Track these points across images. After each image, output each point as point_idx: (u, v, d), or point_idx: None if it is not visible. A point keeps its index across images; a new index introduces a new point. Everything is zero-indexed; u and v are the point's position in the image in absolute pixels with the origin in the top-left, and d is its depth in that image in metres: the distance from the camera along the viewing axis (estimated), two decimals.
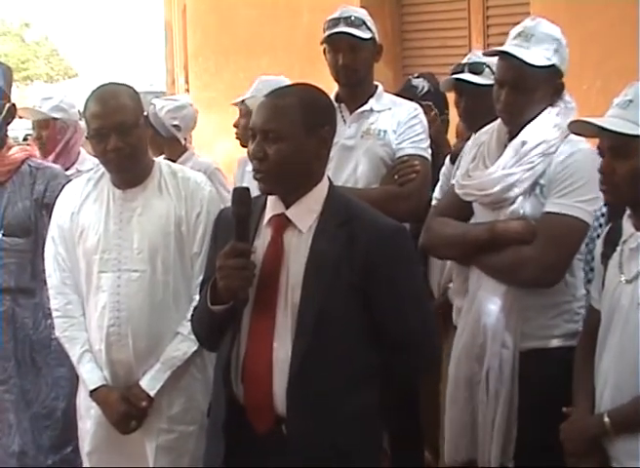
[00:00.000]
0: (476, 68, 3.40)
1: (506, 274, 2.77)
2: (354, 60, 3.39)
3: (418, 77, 4.09)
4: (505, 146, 2.84)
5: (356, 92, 3.45)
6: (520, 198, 2.76)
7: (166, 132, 4.52)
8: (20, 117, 4.20)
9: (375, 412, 2.39)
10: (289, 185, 2.35)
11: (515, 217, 2.77)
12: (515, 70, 2.76)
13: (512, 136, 2.83)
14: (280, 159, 2.29)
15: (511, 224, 2.77)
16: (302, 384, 2.28)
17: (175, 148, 4.54)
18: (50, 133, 4.38)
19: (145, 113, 3.18)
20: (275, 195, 2.38)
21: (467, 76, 3.40)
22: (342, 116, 3.40)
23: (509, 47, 2.79)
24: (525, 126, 2.80)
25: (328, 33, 3.40)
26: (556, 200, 2.72)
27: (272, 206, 2.39)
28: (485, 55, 3.27)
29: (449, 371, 2.94)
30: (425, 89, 4.00)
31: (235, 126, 4.27)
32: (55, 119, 4.39)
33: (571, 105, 2.85)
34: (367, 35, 3.39)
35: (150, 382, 2.89)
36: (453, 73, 3.49)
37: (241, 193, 2.33)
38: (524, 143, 2.77)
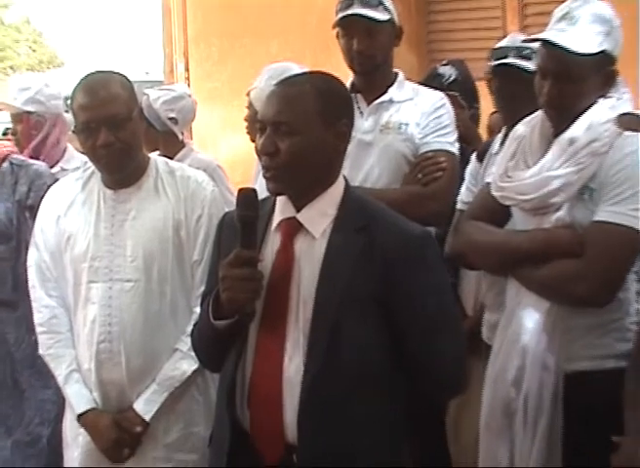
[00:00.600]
0: (526, 53, 3.30)
1: (554, 290, 2.69)
2: (370, 46, 3.32)
3: (445, 64, 4.04)
4: (550, 143, 2.75)
5: (374, 80, 3.40)
6: (566, 204, 2.67)
7: (161, 125, 4.48)
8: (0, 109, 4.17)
9: (396, 439, 2.34)
10: (301, 185, 2.30)
11: (561, 226, 2.68)
12: (559, 59, 2.66)
13: (558, 132, 2.73)
14: (293, 155, 2.24)
15: (558, 234, 2.68)
16: (315, 409, 2.23)
17: (171, 144, 4.51)
18: (24, 127, 4.28)
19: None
20: (285, 196, 2.34)
21: (518, 62, 3.32)
22: (359, 108, 3.34)
23: (551, 33, 2.69)
24: (573, 121, 2.70)
25: (340, 15, 3.34)
26: (608, 207, 2.63)
27: (282, 209, 2.35)
28: (524, 42, 3.19)
29: (483, 395, 2.88)
30: (452, 77, 3.96)
31: (246, 119, 4.25)
32: (29, 113, 4.27)
33: (626, 96, 2.75)
34: (384, 17, 3.32)
35: (145, 405, 2.86)
36: (497, 58, 3.39)
37: (247, 195, 2.28)
38: (572, 141, 2.68)
